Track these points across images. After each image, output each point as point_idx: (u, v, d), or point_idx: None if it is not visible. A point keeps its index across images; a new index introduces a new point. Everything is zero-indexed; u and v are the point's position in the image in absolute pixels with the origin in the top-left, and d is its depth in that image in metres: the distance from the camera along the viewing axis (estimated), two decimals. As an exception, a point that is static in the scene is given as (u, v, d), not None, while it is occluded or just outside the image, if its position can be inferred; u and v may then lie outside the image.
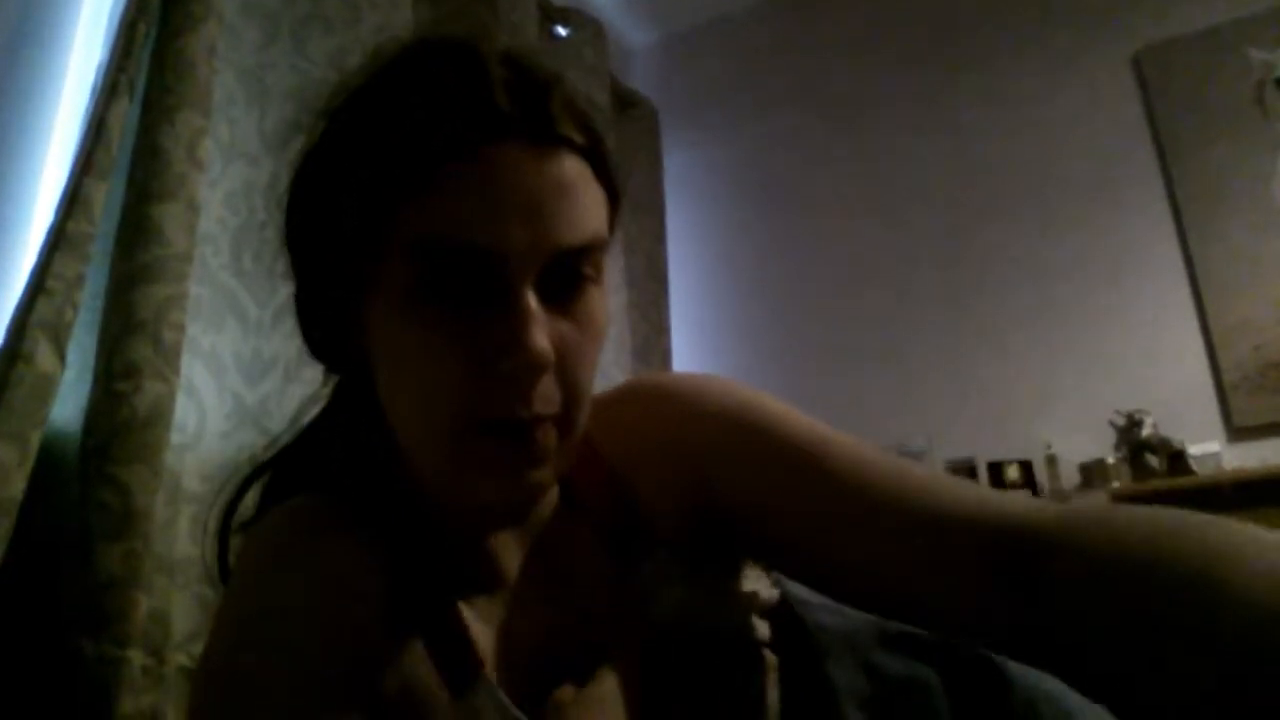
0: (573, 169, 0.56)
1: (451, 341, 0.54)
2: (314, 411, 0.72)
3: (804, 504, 0.61)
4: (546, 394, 0.55)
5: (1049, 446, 2.81)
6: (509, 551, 0.66)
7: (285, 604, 0.57)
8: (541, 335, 0.53)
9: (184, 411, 1.21)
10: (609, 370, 2.60)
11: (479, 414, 0.54)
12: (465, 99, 0.54)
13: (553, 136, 0.56)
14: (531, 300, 0.53)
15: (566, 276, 0.56)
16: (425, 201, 0.53)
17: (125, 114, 1.18)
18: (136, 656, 0.98)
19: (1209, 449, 2.60)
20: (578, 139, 0.57)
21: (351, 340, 0.61)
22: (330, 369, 0.69)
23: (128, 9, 1.23)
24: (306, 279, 0.63)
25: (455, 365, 0.54)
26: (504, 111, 0.54)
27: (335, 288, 0.60)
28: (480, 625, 0.62)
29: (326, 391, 0.72)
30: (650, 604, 0.65)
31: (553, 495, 0.68)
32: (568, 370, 0.56)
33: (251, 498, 0.71)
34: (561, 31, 2.85)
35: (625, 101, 3.33)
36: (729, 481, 0.65)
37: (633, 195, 3.21)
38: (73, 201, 1.09)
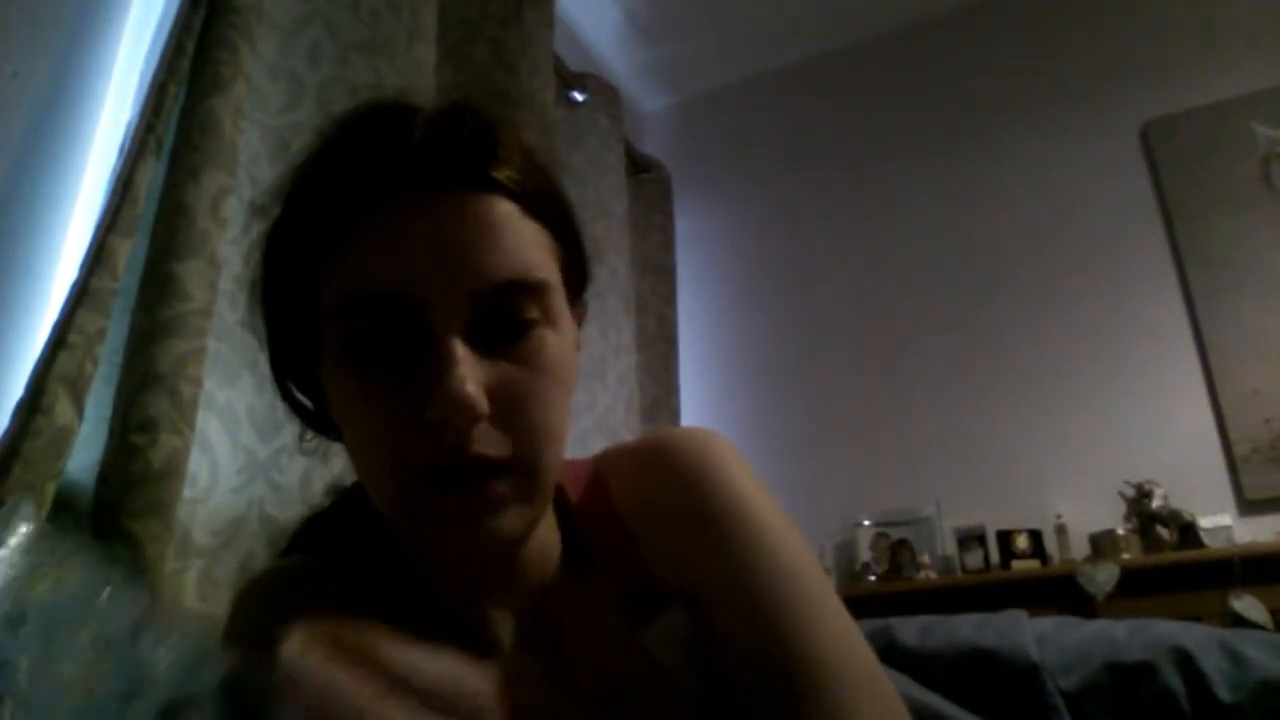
0: (498, 209, 0.56)
1: (383, 396, 0.54)
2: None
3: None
4: (488, 438, 0.54)
5: (1059, 516, 2.79)
6: (502, 619, 0.65)
7: None
8: (467, 381, 0.52)
9: (196, 465, 1.21)
10: (617, 430, 2.60)
11: (417, 465, 0.54)
12: (377, 156, 0.56)
13: (474, 181, 0.56)
14: (457, 347, 0.53)
15: (505, 319, 0.56)
16: (342, 260, 0.55)
17: (152, 173, 1.20)
18: (140, 712, 0.97)
19: (1220, 522, 2.57)
20: (506, 181, 0.57)
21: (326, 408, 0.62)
22: (326, 437, 0.69)
23: (159, 71, 1.26)
24: (275, 352, 0.65)
25: (387, 419, 0.54)
26: (417, 163, 0.55)
27: (297, 359, 0.62)
28: None
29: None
30: (667, 664, 0.64)
31: (552, 550, 0.67)
32: (516, 412, 0.55)
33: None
34: (579, 97, 2.91)
35: (639, 165, 3.38)
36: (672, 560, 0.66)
37: (645, 257, 3.24)
38: (97, 258, 1.10)
